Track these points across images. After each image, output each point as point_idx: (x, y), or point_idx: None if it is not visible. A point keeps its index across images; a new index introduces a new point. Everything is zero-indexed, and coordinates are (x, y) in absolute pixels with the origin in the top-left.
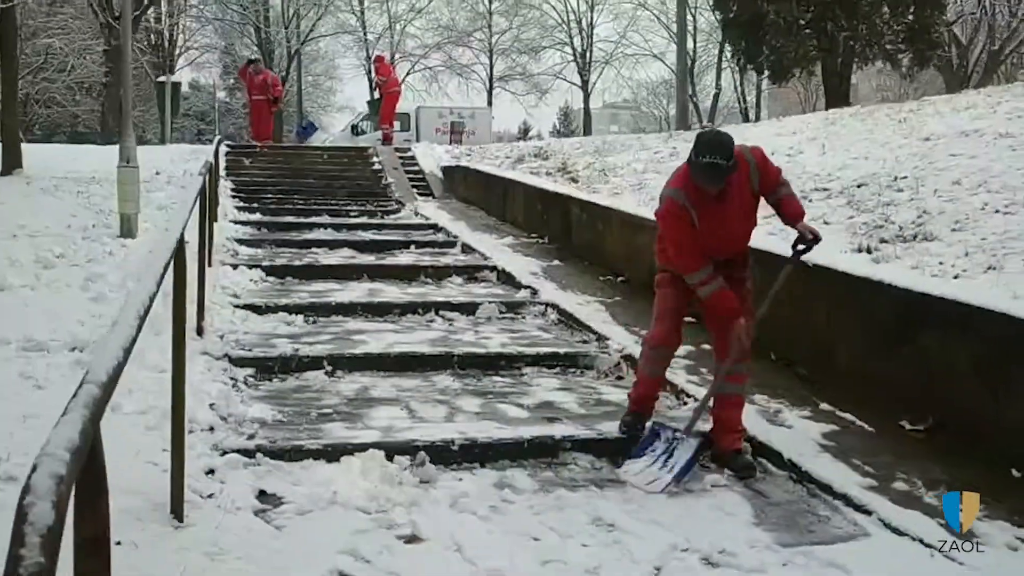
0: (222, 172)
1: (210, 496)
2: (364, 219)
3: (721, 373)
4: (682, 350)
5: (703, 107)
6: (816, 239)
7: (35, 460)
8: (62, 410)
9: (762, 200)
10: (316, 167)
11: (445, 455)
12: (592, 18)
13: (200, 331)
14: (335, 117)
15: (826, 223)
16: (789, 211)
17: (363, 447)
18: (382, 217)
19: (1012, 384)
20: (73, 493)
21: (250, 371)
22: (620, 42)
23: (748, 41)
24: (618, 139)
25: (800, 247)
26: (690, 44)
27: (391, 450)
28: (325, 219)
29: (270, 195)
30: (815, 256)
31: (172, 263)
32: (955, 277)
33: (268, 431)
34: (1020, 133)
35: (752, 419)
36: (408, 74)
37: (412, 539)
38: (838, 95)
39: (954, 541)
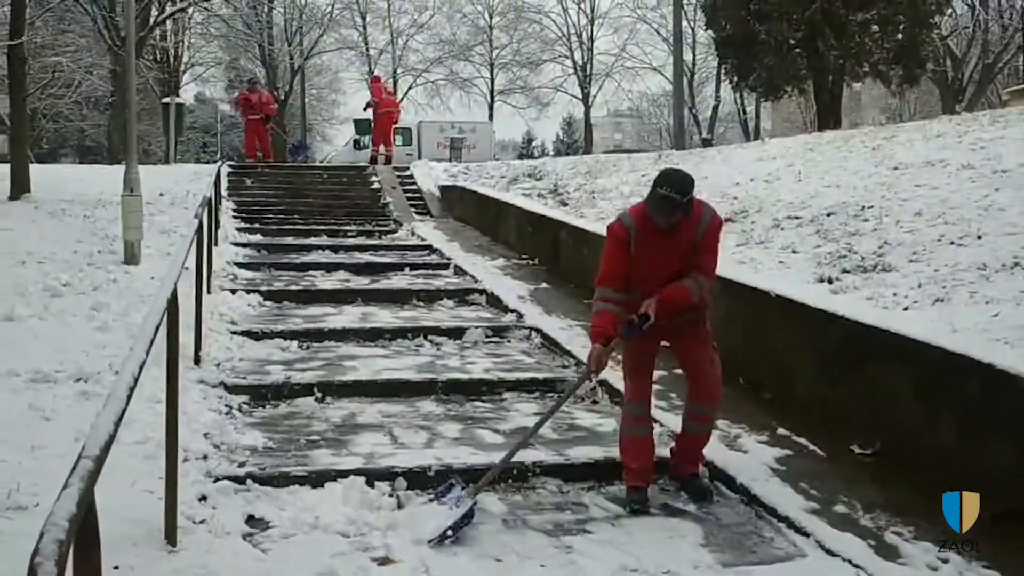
0: (224, 193)
1: (202, 522)
2: (362, 239)
3: (690, 411)
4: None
5: (703, 118)
6: (647, 319)
7: (42, 528)
8: (66, 446)
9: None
10: (316, 187)
11: (422, 480)
12: (592, 31)
13: (197, 360)
14: (338, 130)
15: (794, 252)
16: (669, 288)
17: (345, 474)
18: (379, 237)
19: (946, 412)
20: (72, 547)
21: (244, 398)
22: (620, 55)
23: (740, 59)
24: (610, 159)
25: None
26: (689, 56)
27: (372, 476)
28: (324, 239)
29: (271, 215)
30: (778, 287)
31: (166, 315)
32: (905, 309)
33: (258, 458)
34: (980, 164)
35: (712, 444)
36: (410, 88)
37: (385, 561)
38: (830, 112)
39: (880, 562)
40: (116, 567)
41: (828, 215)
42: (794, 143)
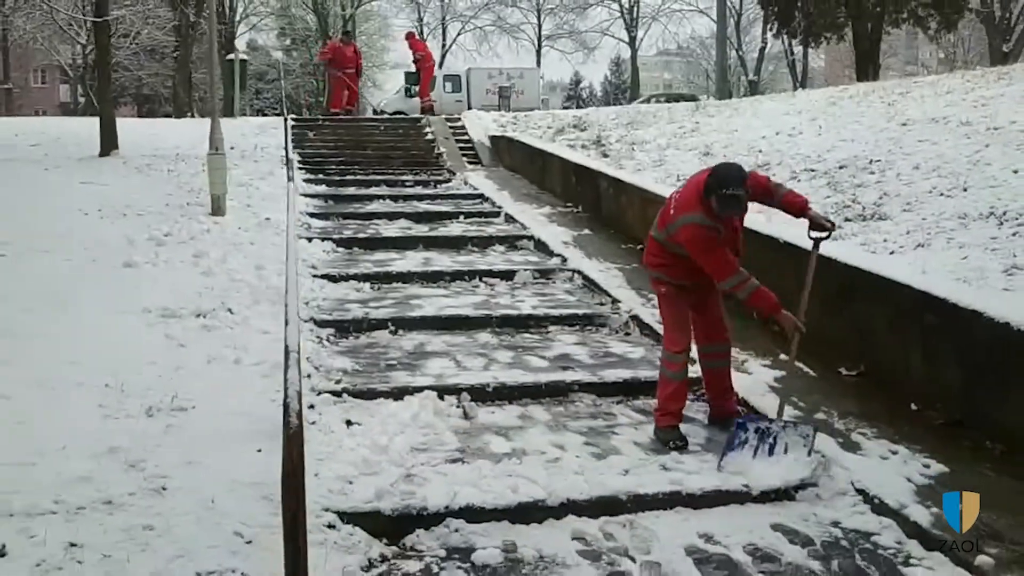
0: (289, 145)
1: (313, 423)
2: (419, 189)
3: (709, 352)
4: None
5: (750, 59)
6: (833, 226)
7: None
8: (201, 367)
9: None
10: (374, 138)
11: (482, 395)
12: None
13: None
14: (389, 74)
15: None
16: (795, 206)
17: (420, 389)
18: (435, 187)
19: (913, 341)
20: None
21: (331, 331)
22: None
23: (780, 7)
24: (650, 110)
25: (816, 235)
26: None
27: (442, 391)
28: (384, 189)
29: (333, 166)
30: (785, 234)
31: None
32: (891, 253)
33: (349, 377)
34: (977, 122)
35: None
36: (459, 35)
37: (455, 452)
38: (868, 57)
39: (844, 453)
40: (259, 450)
41: (840, 168)
42: (820, 96)
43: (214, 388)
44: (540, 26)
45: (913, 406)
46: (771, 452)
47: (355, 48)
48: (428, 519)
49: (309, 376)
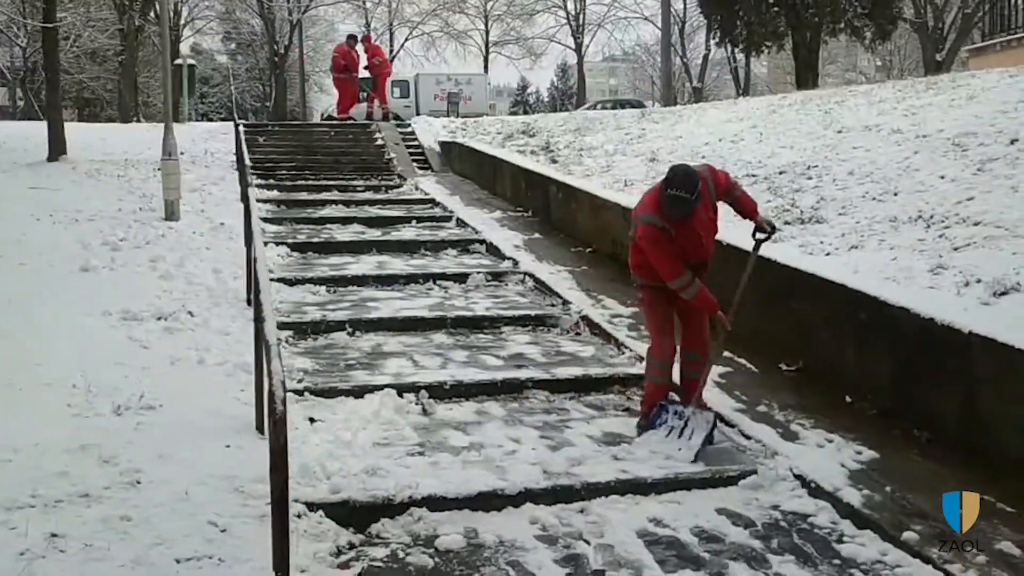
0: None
1: None
2: (370, 194)
3: (686, 359)
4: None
5: (694, 65)
6: (774, 229)
7: (270, 384)
8: (164, 367)
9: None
10: (324, 143)
11: (440, 392)
12: None
13: (248, 302)
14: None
15: None
16: (746, 207)
17: (381, 387)
18: (386, 192)
19: (847, 336)
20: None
21: (289, 333)
22: (612, 4)
23: (723, 17)
24: (598, 116)
25: (759, 236)
26: (680, 5)
27: (401, 389)
28: (336, 195)
29: (284, 172)
30: (730, 237)
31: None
32: (827, 255)
33: (310, 377)
34: (907, 129)
35: None
36: (406, 40)
37: (416, 447)
38: (808, 66)
39: (783, 442)
40: (228, 446)
41: (780, 173)
42: (761, 104)
43: (180, 387)
44: (488, 32)
45: (848, 398)
46: (681, 434)
47: (369, 46)
48: (393, 508)
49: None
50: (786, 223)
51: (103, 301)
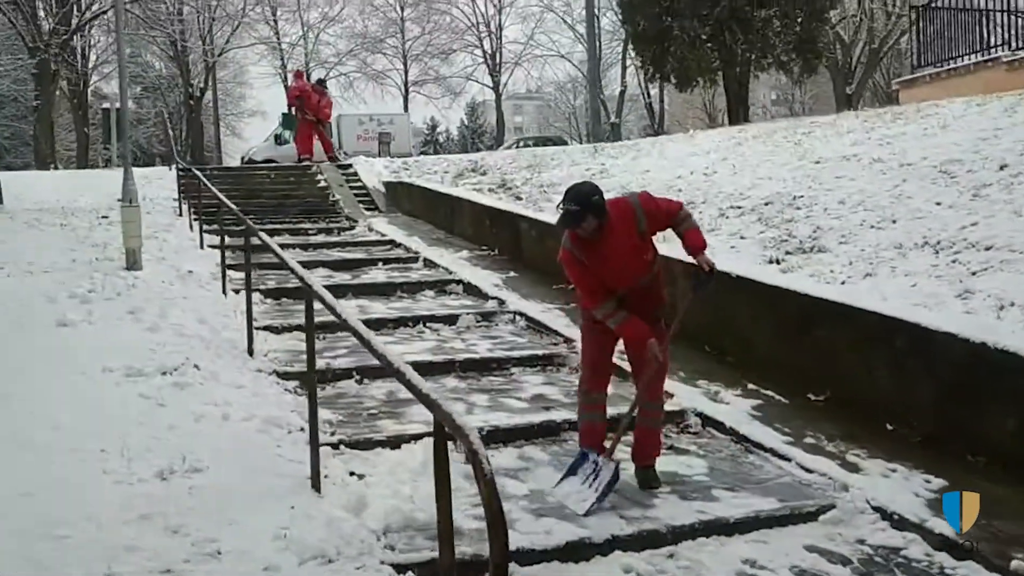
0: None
1: (326, 476)
2: (323, 237)
3: (638, 405)
4: None
5: (610, 100)
6: (711, 274)
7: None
8: (190, 425)
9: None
10: (265, 187)
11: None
12: (501, 21)
13: (250, 352)
14: (247, 122)
15: (742, 237)
16: (691, 243)
17: (417, 436)
18: (339, 234)
19: (880, 362)
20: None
21: (295, 383)
22: (528, 43)
23: (655, 53)
24: (547, 152)
25: (695, 282)
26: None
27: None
28: (288, 239)
29: (228, 216)
30: (737, 268)
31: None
32: (842, 283)
33: (340, 429)
34: (888, 158)
35: (698, 399)
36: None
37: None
38: (739, 100)
39: (848, 474)
40: (292, 507)
41: (766, 204)
42: (720, 137)
43: (215, 446)
44: (407, 71)
45: (889, 426)
46: (594, 481)
47: (325, 97)
48: (483, 565)
49: (303, 429)
50: (787, 253)
51: (96, 357)
